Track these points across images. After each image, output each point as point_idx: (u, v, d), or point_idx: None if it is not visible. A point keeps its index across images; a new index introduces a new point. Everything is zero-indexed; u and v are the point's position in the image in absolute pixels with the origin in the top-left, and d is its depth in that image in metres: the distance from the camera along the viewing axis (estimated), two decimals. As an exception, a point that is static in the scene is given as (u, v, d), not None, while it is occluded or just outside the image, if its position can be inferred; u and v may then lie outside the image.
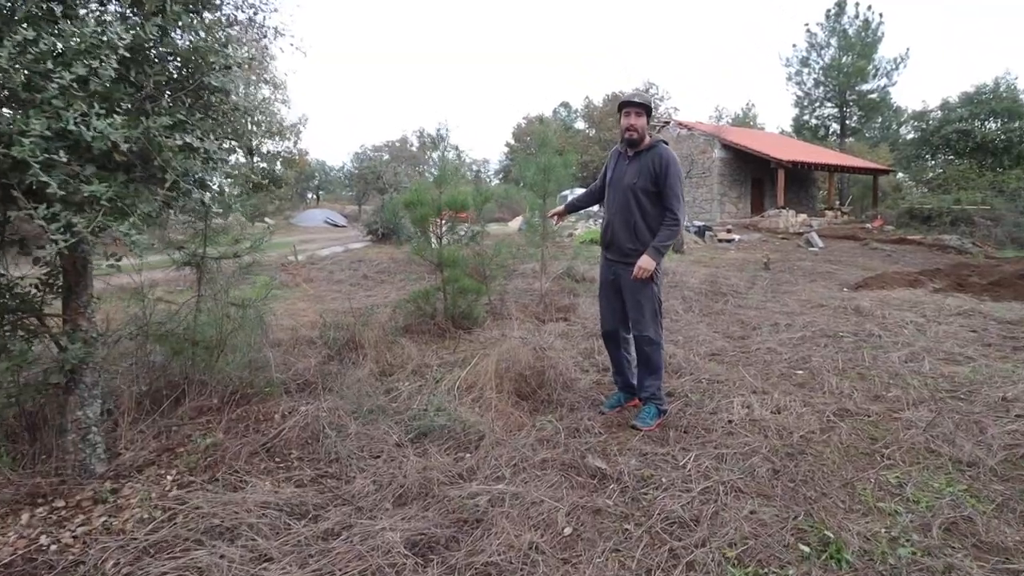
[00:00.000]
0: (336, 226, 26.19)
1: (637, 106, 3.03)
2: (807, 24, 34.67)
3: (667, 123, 24.82)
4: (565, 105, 54.06)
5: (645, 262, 2.92)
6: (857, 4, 32.36)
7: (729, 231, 16.63)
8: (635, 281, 2.98)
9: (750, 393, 3.56)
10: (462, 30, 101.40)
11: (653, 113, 3.21)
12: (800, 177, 24.52)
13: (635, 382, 3.31)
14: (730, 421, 3.09)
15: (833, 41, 33.14)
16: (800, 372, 4.08)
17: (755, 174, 23.34)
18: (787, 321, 5.76)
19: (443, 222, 5.35)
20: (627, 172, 3.03)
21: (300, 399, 3.41)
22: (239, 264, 3.42)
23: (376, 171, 24.14)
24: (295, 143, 26.08)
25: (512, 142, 47.80)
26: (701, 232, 16.23)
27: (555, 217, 4.05)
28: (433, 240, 5.45)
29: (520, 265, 8.66)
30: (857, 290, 7.98)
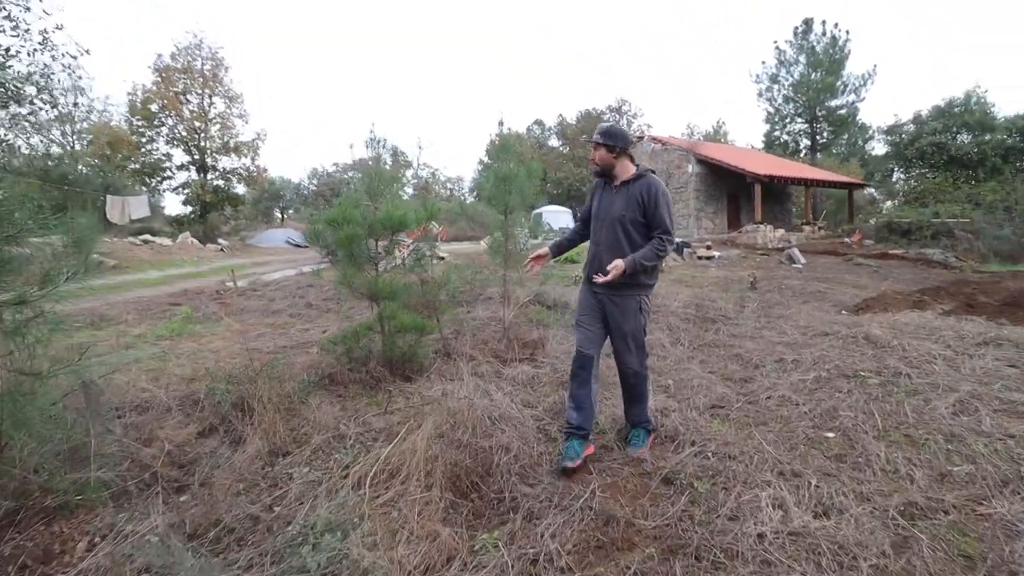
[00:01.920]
0: (298, 246, 24.83)
1: (596, 142, 2.97)
2: (775, 41, 34.83)
3: (641, 138, 24.30)
4: (539, 123, 53.64)
5: (618, 264, 2.74)
6: (824, 22, 32.69)
7: (709, 247, 15.93)
8: (620, 305, 2.92)
9: (776, 476, 2.59)
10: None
11: (622, 143, 2.98)
12: (776, 192, 24.17)
13: (593, 424, 2.97)
14: (760, 536, 2.10)
15: (802, 58, 33.34)
16: (831, 435, 3.13)
17: (731, 189, 22.87)
18: (793, 356, 4.85)
19: (378, 243, 4.33)
20: (615, 203, 2.95)
21: (134, 508, 2.32)
22: (32, 313, 2.31)
23: (334, 188, 22.97)
24: (252, 159, 24.77)
25: (485, 159, 47.08)
26: (680, 249, 15.48)
27: (532, 264, 3.24)
28: (376, 265, 4.41)
29: (487, 289, 7.68)
30: (859, 313, 7.17)
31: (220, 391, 3.42)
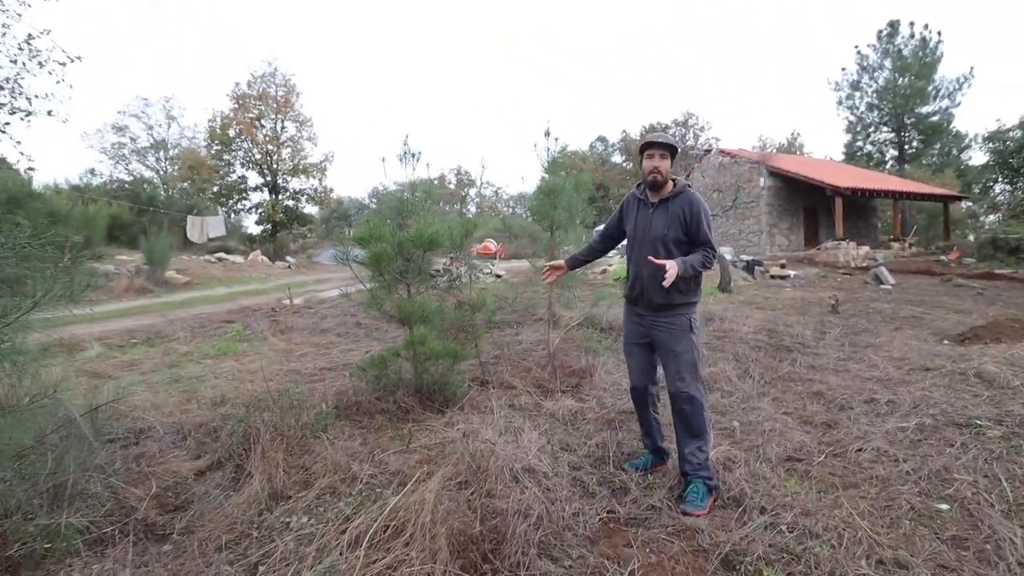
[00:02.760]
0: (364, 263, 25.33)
1: (661, 147, 2.73)
2: (857, 46, 32.75)
3: (708, 151, 23.29)
4: (602, 139, 53.22)
5: (671, 265, 2.50)
6: (912, 24, 30.49)
7: (783, 266, 14.79)
8: (669, 326, 2.72)
9: (875, 566, 2.01)
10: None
11: (678, 153, 2.84)
12: (858, 206, 22.39)
13: (665, 445, 2.98)
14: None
15: (887, 63, 31.18)
16: (945, 507, 2.48)
17: (807, 203, 21.38)
18: (888, 395, 4.12)
19: (410, 262, 4.04)
20: (654, 221, 2.75)
21: (106, 560, 2.07)
22: None
23: (394, 206, 23.34)
24: (320, 180, 25.72)
25: (547, 177, 46.85)
26: (750, 268, 14.46)
27: (548, 274, 3.26)
28: (408, 286, 4.13)
29: (539, 310, 7.29)
30: (965, 343, 6.19)
31: (233, 421, 3.19)
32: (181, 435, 3.36)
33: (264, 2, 77.17)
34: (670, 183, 2.80)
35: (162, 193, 24.86)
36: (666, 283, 2.47)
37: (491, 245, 19.02)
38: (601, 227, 3.28)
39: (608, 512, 2.49)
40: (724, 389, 4.40)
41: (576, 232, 4.80)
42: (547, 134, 4.81)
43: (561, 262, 3.21)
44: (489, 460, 2.53)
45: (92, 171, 27.06)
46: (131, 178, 27.15)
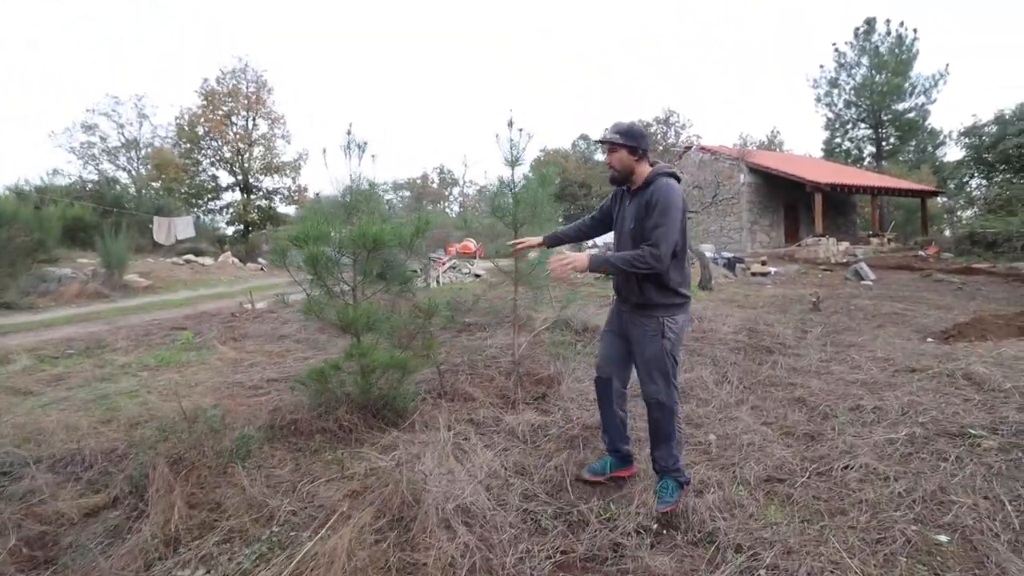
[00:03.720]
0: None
1: (608, 143, 2.59)
2: (835, 44, 32.92)
3: (689, 148, 23.12)
4: (584, 138, 52.95)
5: (576, 258, 2.38)
6: (888, 21, 30.68)
7: (764, 263, 14.62)
8: (639, 328, 2.56)
9: (869, 623, 1.68)
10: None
11: (645, 144, 2.59)
12: (838, 202, 22.41)
13: (629, 448, 2.84)
14: None
15: (864, 60, 31.33)
16: (944, 539, 2.17)
17: (788, 200, 21.32)
18: (874, 401, 3.84)
19: (355, 262, 3.66)
20: (627, 215, 2.64)
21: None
22: None
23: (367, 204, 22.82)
24: (295, 179, 25.06)
25: (531, 175, 46.44)
26: (731, 265, 14.27)
27: (519, 249, 3.01)
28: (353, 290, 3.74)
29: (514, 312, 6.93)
30: (949, 341, 5.97)
31: (140, 448, 2.79)
32: (85, 464, 2.94)
33: (262, 3, 75.47)
34: (640, 173, 2.59)
35: (131, 193, 23.99)
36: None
37: (471, 245, 18.67)
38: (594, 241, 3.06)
39: (561, 552, 2.14)
40: (700, 397, 4.08)
41: (552, 229, 4.47)
42: (510, 124, 4.42)
43: (538, 238, 2.97)
44: (422, 495, 2.16)
45: (56, 171, 26.04)
46: (99, 178, 26.22)
